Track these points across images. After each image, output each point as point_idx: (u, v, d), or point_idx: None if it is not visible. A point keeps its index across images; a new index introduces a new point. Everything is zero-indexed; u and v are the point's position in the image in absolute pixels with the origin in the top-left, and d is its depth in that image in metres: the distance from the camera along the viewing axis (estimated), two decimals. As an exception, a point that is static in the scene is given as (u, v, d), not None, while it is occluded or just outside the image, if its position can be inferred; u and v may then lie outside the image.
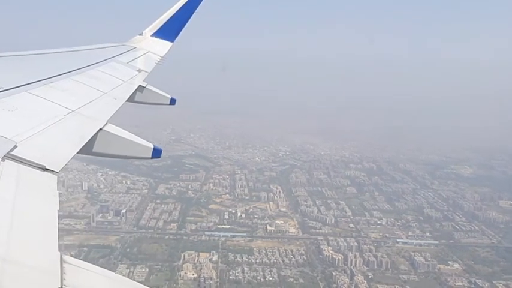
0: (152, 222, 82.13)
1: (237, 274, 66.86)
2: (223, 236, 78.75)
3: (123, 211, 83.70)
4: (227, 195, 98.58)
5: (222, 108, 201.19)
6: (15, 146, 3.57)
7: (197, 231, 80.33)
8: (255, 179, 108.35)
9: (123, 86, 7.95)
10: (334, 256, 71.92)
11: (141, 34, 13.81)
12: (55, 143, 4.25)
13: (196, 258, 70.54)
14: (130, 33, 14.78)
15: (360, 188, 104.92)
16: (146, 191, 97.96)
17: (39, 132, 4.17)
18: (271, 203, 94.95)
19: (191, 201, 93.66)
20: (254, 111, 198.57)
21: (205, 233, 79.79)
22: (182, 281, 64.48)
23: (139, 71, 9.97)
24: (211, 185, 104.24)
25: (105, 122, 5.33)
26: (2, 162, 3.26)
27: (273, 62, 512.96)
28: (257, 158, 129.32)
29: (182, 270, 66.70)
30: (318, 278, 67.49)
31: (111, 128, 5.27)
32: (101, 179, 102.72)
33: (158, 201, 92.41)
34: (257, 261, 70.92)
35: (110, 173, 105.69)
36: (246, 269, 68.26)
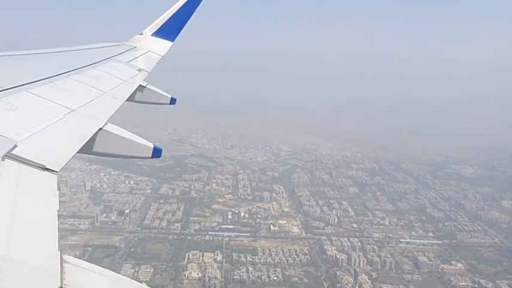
0: (156, 222, 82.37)
1: (241, 274, 67.16)
2: (227, 236, 79.00)
3: (127, 211, 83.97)
4: (230, 195, 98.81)
5: (223, 108, 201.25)
6: (15, 146, 3.57)
7: (201, 231, 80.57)
8: (258, 179, 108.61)
9: (123, 86, 7.95)
10: (338, 256, 72.19)
11: (141, 33, 13.82)
12: (55, 142, 4.27)
13: (201, 258, 70.81)
14: (131, 32, 15.03)
15: (362, 188, 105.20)
16: (149, 191, 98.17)
17: (39, 131, 4.17)
18: (274, 203, 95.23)
19: (194, 201, 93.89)
20: (255, 111, 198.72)
21: (209, 233, 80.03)
22: (187, 280, 64.72)
23: (139, 70, 9.98)
24: (213, 185, 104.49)
25: (105, 122, 5.36)
26: (2, 161, 3.26)
27: (273, 62, 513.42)
28: (259, 158, 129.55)
29: (187, 270, 66.92)
30: (322, 278, 67.76)
31: (111, 128, 5.30)
32: (104, 179, 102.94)
33: (161, 201, 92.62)
34: (261, 261, 71.19)
35: (112, 173, 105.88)
36: (250, 268, 68.53)
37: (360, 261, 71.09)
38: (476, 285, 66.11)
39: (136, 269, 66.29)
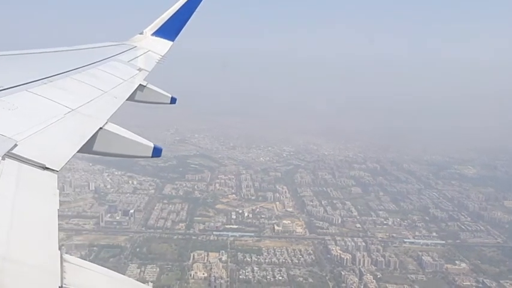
0: (160, 222, 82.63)
1: (246, 274, 67.48)
2: (231, 236, 79.28)
3: (132, 211, 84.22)
4: (233, 195, 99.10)
5: (224, 109, 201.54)
6: (16, 145, 3.58)
7: (205, 231, 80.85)
8: (261, 179, 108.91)
9: (124, 85, 7.92)
10: (343, 256, 72.53)
11: (141, 33, 13.80)
12: (55, 141, 4.27)
13: (206, 258, 71.10)
14: (131, 32, 15.01)
15: (365, 188, 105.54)
16: (153, 191, 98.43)
17: (39, 131, 4.17)
18: (277, 203, 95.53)
19: (198, 201, 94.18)
20: (256, 112, 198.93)
21: (214, 232, 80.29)
22: (193, 280, 65.03)
23: (139, 70, 9.95)
24: (217, 185, 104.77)
25: (106, 121, 5.36)
26: (2, 161, 3.25)
27: (274, 61, 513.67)
28: (261, 158, 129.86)
29: (192, 269, 67.25)
30: (327, 278, 68.09)
31: (112, 127, 5.30)
32: (108, 179, 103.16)
33: (165, 201, 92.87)
34: (266, 260, 71.50)
35: (116, 173, 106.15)
36: (255, 268, 68.81)
37: (364, 261, 71.44)
38: (481, 285, 66.45)
39: (142, 269, 66.49)
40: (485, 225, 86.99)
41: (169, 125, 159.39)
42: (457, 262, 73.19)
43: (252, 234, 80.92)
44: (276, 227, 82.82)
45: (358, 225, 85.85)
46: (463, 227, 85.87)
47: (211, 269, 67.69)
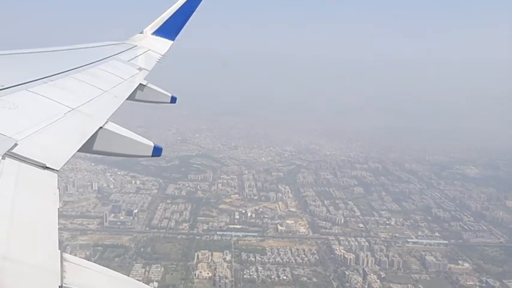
0: (164, 222, 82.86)
1: (251, 273, 67.70)
2: (235, 236, 79.51)
3: (135, 211, 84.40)
4: (236, 195, 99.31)
5: (224, 109, 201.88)
6: (16, 144, 3.58)
7: (209, 231, 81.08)
8: (263, 179, 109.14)
9: (124, 84, 7.93)
10: (346, 255, 72.76)
11: (141, 32, 13.87)
12: (55, 141, 4.28)
13: (210, 257, 71.32)
14: (131, 31, 14.98)
15: (367, 188, 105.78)
16: (156, 191, 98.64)
17: (39, 130, 4.17)
18: (280, 203, 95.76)
19: (201, 201, 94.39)
20: (257, 112, 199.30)
21: (217, 232, 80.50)
22: (197, 280, 65.25)
23: (139, 69, 9.97)
24: (219, 185, 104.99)
25: (106, 121, 5.38)
26: (2, 160, 3.26)
27: (274, 61, 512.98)
28: (263, 158, 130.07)
29: (197, 269, 67.48)
30: (331, 277, 68.34)
31: (112, 126, 5.31)
32: (110, 179, 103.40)
33: (168, 201, 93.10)
34: (270, 260, 71.74)
35: (118, 173, 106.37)
36: (259, 268, 69.05)
37: (368, 260, 71.67)
38: (484, 285, 66.70)
39: (147, 269, 66.68)
40: (487, 225, 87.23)
41: (170, 124, 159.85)
42: (460, 262, 73.41)
43: (256, 234, 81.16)
44: (279, 227, 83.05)
45: (361, 225, 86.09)
46: (465, 226, 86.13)
47: (215, 268, 67.96)
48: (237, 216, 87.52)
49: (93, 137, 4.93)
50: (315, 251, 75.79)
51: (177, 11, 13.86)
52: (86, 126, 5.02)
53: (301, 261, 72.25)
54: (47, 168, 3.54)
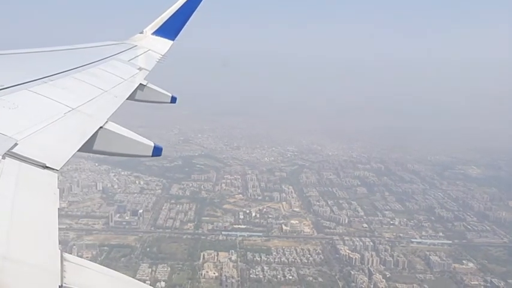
0: (169, 222, 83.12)
1: (257, 273, 68.01)
2: (240, 236, 79.82)
3: (140, 211, 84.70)
4: (240, 195, 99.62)
5: (225, 109, 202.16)
6: (16, 144, 3.58)
7: (214, 231, 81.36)
8: (266, 179, 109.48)
9: (124, 84, 7.92)
10: (351, 255, 73.10)
11: (141, 32, 13.86)
12: (55, 141, 4.28)
13: (216, 257, 71.59)
14: (131, 31, 15.07)
15: (370, 188, 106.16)
16: (160, 191, 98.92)
17: (39, 130, 4.17)
18: (284, 203, 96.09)
19: (205, 202, 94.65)
20: (258, 112, 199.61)
21: (222, 232, 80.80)
22: (204, 279, 65.54)
23: (140, 69, 9.96)
24: (223, 185, 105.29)
25: (106, 120, 5.38)
26: (2, 160, 3.26)
27: (274, 61, 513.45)
28: (266, 159, 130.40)
29: (203, 269, 67.75)
30: (336, 277, 68.67)
31: (112, 126, 5.31)
32: (114, 179, 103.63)
33: (173, 201, 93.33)
34: (275, 260, 72.05)
35: (122, 173, 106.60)
36: (265, 268, 69.37)
37: (373, 260, 72.00)
38: (489, 285, 67.09)
39: (154, 268, 66.90)
40: (490, 225, 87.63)
41: (172, 125, 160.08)
42: (464, 262, 73.79)
43: (260, 234, 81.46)
44: (284, 227, 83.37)
45: (365, 225, 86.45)
46: (469, 227, 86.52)
47: (221, 268, 68.23)
48: (241, 216, 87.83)
49: (93, 136, 4.95)
50: (320, 251, 76.13)
51: (177, 11, 13.88)
52: (86, 126, 5.03)
53: (306, 261, 72.59)
54: (47, 168, 3.55)
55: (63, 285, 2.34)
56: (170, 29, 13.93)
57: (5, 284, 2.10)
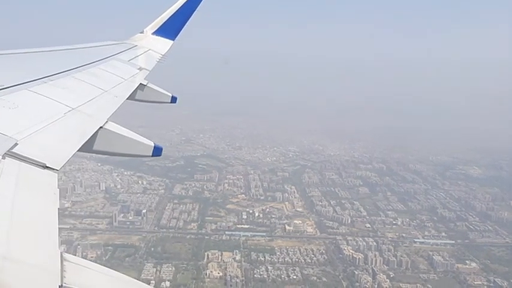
0: (173, 222, 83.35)
1: (261, 273, 68.29)
2: (243, 236, 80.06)
3: (144, 211, 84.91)
4: (243, 195, 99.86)
5: (226, 109, 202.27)
6: (16, 144, 3.57)
7: (217, 231, 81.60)
8: (269, 179, 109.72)
9: (124, 84, 7.89)
10: (355, 255, 73.37)
11: (142, 32, 13.84)
12: (56, 140, 4.27)
13: (220, 257, 71.82)
14: (131, 31, 15.11)
15: (372, 188, 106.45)
16: (163, 191, 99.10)
17: (39, 130, 4.16)
18: (286, 203, 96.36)
19: (208, 202, 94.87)
20: (259, 112, 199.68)
21: (226, 232, 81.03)
22: (209, 279, 65.81)
23: (140, 69, 9.94)
24: (225, 185, 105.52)
25: (106, 120, 5.38)
26: (2, 160, 3.25)
27: (275, 61, 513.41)
28: (268, 159, 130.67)
29: (207, 269, 68.01)
30: (340, 277, 68.94)
31: (112, 126, 5.31)
32: (117, 179, 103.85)
33: (176, 201, 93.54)
34: (279, 260, 72.33)
35: (125, 173, 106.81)
36: (269, 268, 69.63)
37: (376, 260, 72.29)
38: (492, 284, 67.40)
39: (158, 268, 67.09)
40: (493, 225, 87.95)
41: (173, 125, 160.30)
42: (467, 262, 74.06)
43: (264, 234, 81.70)
44: (287, 227, 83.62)
45: (368, 225, 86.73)
46: (471, 227, 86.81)
47: (226, 268, 68.50)
48: (244, 216, 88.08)
49: (93, 136, 4.95)
50: (323, 251, 76.41)
51: (177, 11, 13.88)
52: (86, 126, 5.03)
53: (310, 261, 72.87)
54: (47, 167, 3.55)
55: (63, 285, 2.34)
56: (170, 29, 13.94)
57: (5, 284, 2.10)
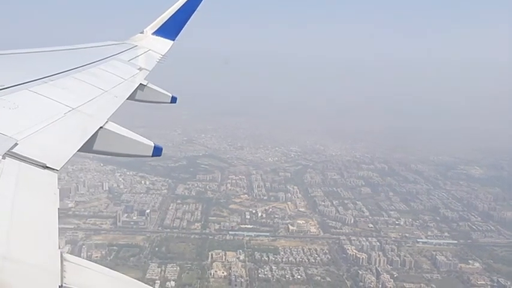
0: (176, 222, 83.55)
1: (265, 272, 68.55)
2: (247, 236, 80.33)
3: (148, 211, 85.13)
4: (245, 195, 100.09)
5: (227, 109, 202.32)
6: (16, 144, 3.57)
7: (221, 231, 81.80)
8: (271, 179, 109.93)
9: (124, 84, 7.89)
10: (358, 255, 73.67)
11: (142, 32, 13.85)
12: (56, 141, 4.27)
13: (224, 257, 72.03)
14: (131, 31, 15.02)
15: (375, 188, 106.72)
16: (166, 191, 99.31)
17: (40, 130, 4.16)
18: (289, 203, 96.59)
19: (211, 202, 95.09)
20: (260, 112, 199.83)
21: (229, 232, 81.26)
22: (213, 279, 66.06)
23: (140, 69, 9.95)
24: (228, 185, 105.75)
25: (106, 120, 5.38)
26: (2, 160, 3.25)
27: (275, 61, 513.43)
28: (270, 159, 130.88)
29: (212, 268, 68.26)
30: (344, 277, 69.21)
31: (112, 126, 5.32)
32: (120, 179, 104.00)
33: (179, 201, 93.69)
34: (283, 260, 72.57)
35: (127, 173, 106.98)
36: (273, 267, 69.88)
37: (380, 260, 72.57)
38: (495, 284, 67.70)
39: (163, 268, 67.26)
40: (495, 225, 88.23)
41: (174, 125, 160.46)
42: (470, 261, 74.35)
43: (267, 234, 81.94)
44: (290, 227, 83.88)
45: (371, 225, 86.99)
46: (473, 227, 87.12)
47: (230, 268, 68.75)
48: (247, 216, 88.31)
49: (94, 136, 4.95)
50: (326, 251, 76.66)
51: (177, 11, 13.89)
52: (86, 126, 5.03)
53: (314, 260, 73.10)
54: (47, 168, 3.55)
55: (63, 285, 2.35)
56: (170, 29, 13.96)
57: (5, 284, 2.10)
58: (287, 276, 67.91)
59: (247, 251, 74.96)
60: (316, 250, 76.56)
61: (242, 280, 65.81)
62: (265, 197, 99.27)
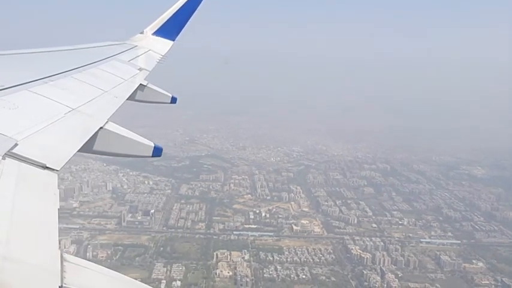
0: (181, 222, 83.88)
1: (270, 272, 68.86)
2: (251, 236, 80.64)
3: (152, 211, 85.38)
4: (249, 195, 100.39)
5: (227, 109, 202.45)
6: (16, 144, 3.56)
7: (225, 231, 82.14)
8: (274, 179, 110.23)
9: (124, 85, 7.86)
10: (363, 255, 73.98)
11: (142, 32, 13.80)
12: (56, 141, 4.26)
13: (229, 257, 72.38)
14: (131, 31, 15.02)
15: (377, 188, 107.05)
16: (169, 191, 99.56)
17: (40, 130, 4.16)
18: (292, 203, 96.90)
19: (215, 202, 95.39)
20: (261, 112, 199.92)
21: (234, 232, 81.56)
22: (219, 278, 66.34)
23: (140, 69, 9.91)
24: (231, 185, 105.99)
25: (106, 121, 5.36)
26: (2, 160, 3.24)
27: (275, 61, 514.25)
28: (272, 159, 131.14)
29: (217, 268, 68.54)
30: (348, 276, 69.54)
31: (112, 127, 5.30)
32: (123, 179, 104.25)
33: (182, 201, 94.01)
34: (288, 259, 72.93)
35: (130, 173, 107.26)
36: (278, 267, 70.22)
37: (384, 260, 72.91)
38: (499, 284, 68.05)
39: (169, 268, 67.57)
40: (498, 225, 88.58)
41: (175, 125, 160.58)
42: (474, 261, 74.75)
43: (271, 233, 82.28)
44: (294, 227, 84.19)
45: (374, 225, 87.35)
46: (476, 226, 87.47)
47: (235, 267, 69.08)
48: (251, 216, 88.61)
49: (94, 137, 4.94)
50: (331, 251, 76.99)
51: (177, 11, 13.83)
52: (86, 126, 5.02)
53: (318, 260, 73.45)
54: (47, 168, 3.55)
55: (63, 285, 2.35)
56: (170, 29, 13.92)
57: (5, 284, 2.09)
58: (292, 276, 68.25)
59: (252, 250, 75.29)
60: (320, 250, 76.89)
61: (247, 280, 66.11)
62: (268, 197, 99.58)
